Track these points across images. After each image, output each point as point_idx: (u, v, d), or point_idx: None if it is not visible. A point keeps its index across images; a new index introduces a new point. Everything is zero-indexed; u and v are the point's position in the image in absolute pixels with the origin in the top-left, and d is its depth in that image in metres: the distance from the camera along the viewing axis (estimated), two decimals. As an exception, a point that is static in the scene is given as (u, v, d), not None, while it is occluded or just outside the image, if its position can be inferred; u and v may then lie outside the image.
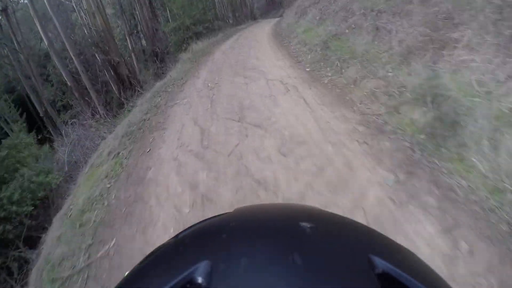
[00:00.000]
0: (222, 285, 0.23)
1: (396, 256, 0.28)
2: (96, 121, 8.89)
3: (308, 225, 0.29)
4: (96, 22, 12.37)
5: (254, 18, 23.51)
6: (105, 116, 11.15)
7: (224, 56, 7.62)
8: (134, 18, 16.38)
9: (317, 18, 7.38)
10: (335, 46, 4.78)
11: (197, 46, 11.25)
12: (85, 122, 8.70)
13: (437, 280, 0.27)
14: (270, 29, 11.96)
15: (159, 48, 13.79)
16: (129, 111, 6.88)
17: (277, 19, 20.59)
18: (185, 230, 0.34)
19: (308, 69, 4.46)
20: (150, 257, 0.32)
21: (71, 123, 8.68)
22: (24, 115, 14.51)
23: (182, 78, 6.25)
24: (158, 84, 6.58)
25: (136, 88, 12.82)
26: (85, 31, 13.82)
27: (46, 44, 11.60)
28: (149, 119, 4.38)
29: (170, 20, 18.93)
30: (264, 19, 24.26)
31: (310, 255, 0.25)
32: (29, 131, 14.28)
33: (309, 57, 5.10)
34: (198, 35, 17.89)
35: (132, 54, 15.48)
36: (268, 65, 5.31)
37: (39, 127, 14.91)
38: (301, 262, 0.24)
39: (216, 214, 0.38)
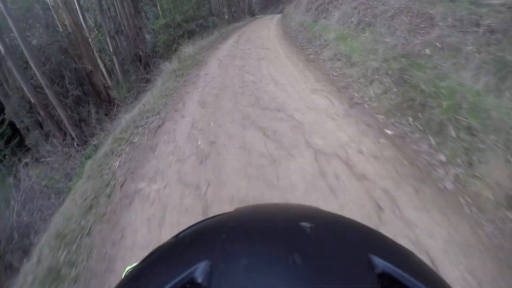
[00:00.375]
0: (222, 285, 0.22)
1: (396, 256, 0.27)
2: (57, 156, 6.71)
3: (308, 225, 0.28)
4: (64, 22, 10.00)
5: (252, 14, 21.08)
6: (76, 140, 8.95)
7: (222, 70, 5.43)
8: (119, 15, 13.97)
9: (353, 20, 5.20)
10: (423, 80, 2.65)
11: (187, 49, 8.97)
12: (44, 160, 6.53)
13: (437, 280, 0.26)
14: (277, 29, 9.68)
15: (143, 51, 11.46)
16: (86, 159, 4.68)
17: (278, 15, 18.23)
18: (185, 230, 0.33)
19: (389, 131, 2.28)
20: (150, 257, 0.31)
21: (23, 163, 6.41)
22: (7, 122, 12.35)
23: (158, 113, 4.04)
24: (124, 121, 4.35)
25: (115, 101, 10.57)
26: (60, 33, 11.41)
27: (3, 51, 9.22)
28: (89, 230, 2.22)
29: (161, 17, 16.63)
30: (263, 15, 21.85)
31: (310, 255, 0.24)
32: (10, 139, 12.03)
33: (372, 93, 2.95)
34: (190, 34, 15.59)
35: (114, 58, 13.13)
36: (302, 103, 3.12)
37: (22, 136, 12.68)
38: (301, 262, 0.23)
39: None
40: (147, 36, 19.71)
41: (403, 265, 0.24)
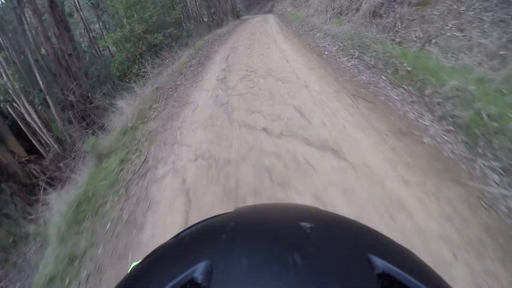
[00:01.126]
0: (222, 285, 0.21)
1: (396, 255, 0.26)
2: None
3: (308, 225, 0.27)
4: None
5: (237, 15, 16.33)
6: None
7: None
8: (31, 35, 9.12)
9: None
10: None
11: (127, 108, 4.35)
12: None
13: (437, 280, 0.25)
14: (295, 45, 5.12)
15: (75, 93, 6.75)
16: None
17: (270, 16, 13.64)
18: (185, 230, 0.31)
19: None
20: (150, 257, 0.29)
21: None
22: None
23: None
24: None
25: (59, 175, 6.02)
26: None
27: None
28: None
29: (120, 28, 12.01)
30: (249, 15, 17.16)
31: (310, 255, 0.23)
32: None
33: None
34: (156, 49, 11.02)
35: (50, 102, 8.44)
36: None
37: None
38: (301, 262, 0.22)
39: None
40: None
41: (403, 265, 0.23)
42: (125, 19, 11.49)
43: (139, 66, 10.40)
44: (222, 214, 0.34)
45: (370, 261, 0.22)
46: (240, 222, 0.31)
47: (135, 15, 11.12)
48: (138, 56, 10.93)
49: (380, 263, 0.22)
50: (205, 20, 20.58)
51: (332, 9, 5.78)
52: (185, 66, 6.03)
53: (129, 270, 0.29)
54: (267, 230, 0.28)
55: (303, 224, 0.27)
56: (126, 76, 11.64)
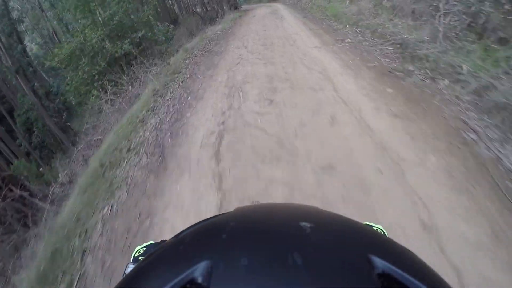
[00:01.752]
0: (222, 285, 0.21)
1: (396, 256, 0.25)
2: None
3: (308, 225, 0.26)
4: None
5: (235, 6, 12.51)
6: None
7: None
8: None
9: None
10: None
11: None
12: None
13: (437, 280, 0.24)
14: (431, 150, 1.57)
15: None
16: None
17: (280, 7, 9.92)
18: (185, 230, 0.31)
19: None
20: (150, 257, 0.29)
21: None
22: None
23: None
24: None
25: None
26: None
27: None
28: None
29: (73, 37, 8.86)
30: (249, 6, 13.30)
31: (310, 255, 0.23)
32: None
33: None
34: (123, 63, 7.76)
35: None
36: None
37: None
38: (301, 262, 0.21)
39: None
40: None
41: (403, 265, 0.22)
42: (77, 24, 8.11)
43: (98, 90, 7.10)
44: (222, 214, 0.33)
45: (370, 261, 0.22)
46: (240, 222, 0.30)
47: (98, 14, 7.60)
48: (96, 76, 7.59)
49: (380, 263, 0.21)
50: (198, 10, 16.84)
51: (442, 17, 2.36)
52: (140, 140, 2.77)
53: (133, 253, 0.28)
54: (267, 230, 0.27)
55: (303, 224, 0.26)
56: (86, 103, 8.36)
